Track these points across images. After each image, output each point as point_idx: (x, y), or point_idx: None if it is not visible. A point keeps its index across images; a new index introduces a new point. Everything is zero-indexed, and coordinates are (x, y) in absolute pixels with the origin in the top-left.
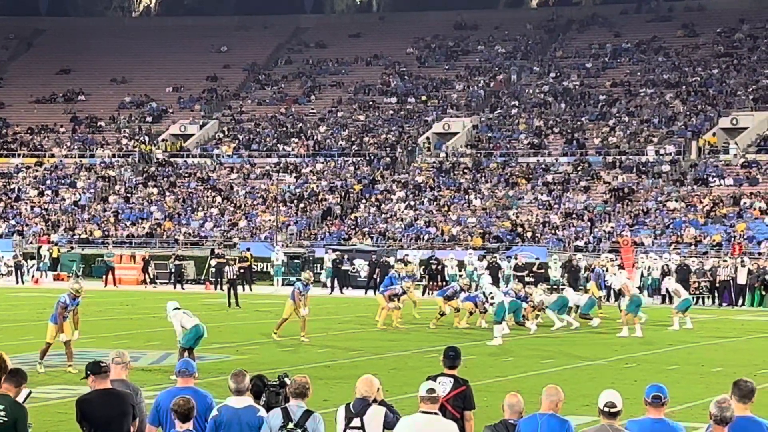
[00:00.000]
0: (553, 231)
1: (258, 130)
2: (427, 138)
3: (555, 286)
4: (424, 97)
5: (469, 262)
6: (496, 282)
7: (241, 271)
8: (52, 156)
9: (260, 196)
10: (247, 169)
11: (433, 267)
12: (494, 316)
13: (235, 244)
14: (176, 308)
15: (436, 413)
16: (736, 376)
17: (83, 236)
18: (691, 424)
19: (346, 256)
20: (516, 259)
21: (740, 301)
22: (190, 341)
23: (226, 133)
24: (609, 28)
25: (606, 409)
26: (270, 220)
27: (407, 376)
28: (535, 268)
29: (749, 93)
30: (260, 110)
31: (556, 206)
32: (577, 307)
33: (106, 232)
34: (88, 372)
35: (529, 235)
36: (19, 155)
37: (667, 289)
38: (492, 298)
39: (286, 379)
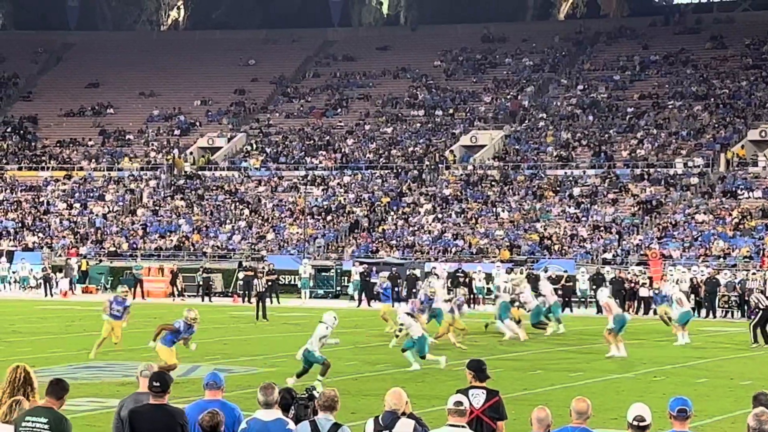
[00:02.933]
0: (580, 244)
1: (286, 142)
2: (452, 151)
3: (584, 299)
4: (451, 110)
5: (496, 275)
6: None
7: (269, 283)
8: (81, 169)
9: (288, 208)
10: (274, 181)
11: (460, 280)
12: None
13: (263, 257)
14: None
15: (463, 426)
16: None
17: (111, 249)
18: None
19: (374, 269)
20: (546, 271)
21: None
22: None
23: (254, 146)
24: (637, 40)
25: (635, 423)
26: (297, 232)
27: (434, 389)
28: (563, 281)
29: None
30: (288, 123)
31: (584, 219)
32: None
33: (134, 245)
34: (158, 385)
35: (556, 247)
36: (48, 168)
37: (597, 302)
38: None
39: (315, 392)
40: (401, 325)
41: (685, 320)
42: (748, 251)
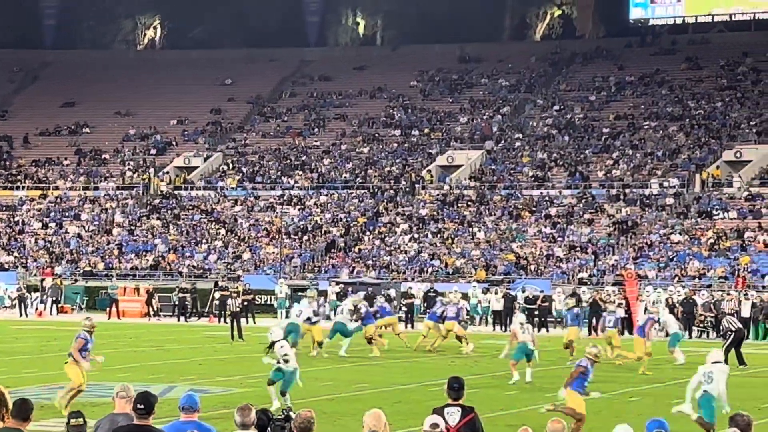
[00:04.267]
0: (556, 264)
1: (262, 162)
2: (428, 171)
3: (560, 319)
4: (427, 130)
5: (473, 295)
6: (511, 313)
7: (245, 303)
8: (57, 188)
9: (264, 228)
10: (251, 201)
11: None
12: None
13: (239, 276)
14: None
15: None
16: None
17: (87, 269)
18: None
19: (350, 289)
20: (524, 291)
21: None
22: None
23: (231, 165)
24: (613, 61)
25: None
26: (274, 252)
27: (411, 409)
28: (539, 302)
29: (753, 126)
30: (264, 143)
31: (559, 239)
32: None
33: (110, 265)
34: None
35: (532, 267)
36: (23, 188)
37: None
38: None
39: (291, 414)
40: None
41: (675, 342)
42: (723, 272)
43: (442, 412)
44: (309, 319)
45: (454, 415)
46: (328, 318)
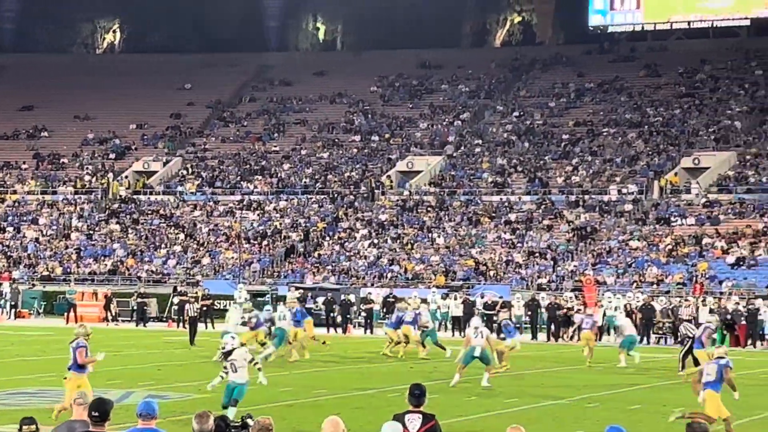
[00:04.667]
0: (516, 269)
1: (222, 167)
2: (388, 176)
3: (519, 325)
4: (387, 136)
5: (432, 301)
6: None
7: (204, 308)
8: (15, 192)
9: (223, 233)
10: (210, 206)
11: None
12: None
13: (198, 281)
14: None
15: None
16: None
17: (45, 273)
18: None
19: (309, 294)
20: (483, 297)
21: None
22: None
23: (190, 170)
24: (572, 67)
25: None
26: (233, 257)
27: (371, 415)
28: (498, 307)
29: (711, 133)
30: (224, 148)
31: (519, 245)
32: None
33: (68, 269)
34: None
35: (492, 273)
36: None
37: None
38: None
39: (249, 420)
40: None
41: (628, 343)
42: (681, 278)
43: (402, 419)
44: (244, 324)
45: (414, 422)
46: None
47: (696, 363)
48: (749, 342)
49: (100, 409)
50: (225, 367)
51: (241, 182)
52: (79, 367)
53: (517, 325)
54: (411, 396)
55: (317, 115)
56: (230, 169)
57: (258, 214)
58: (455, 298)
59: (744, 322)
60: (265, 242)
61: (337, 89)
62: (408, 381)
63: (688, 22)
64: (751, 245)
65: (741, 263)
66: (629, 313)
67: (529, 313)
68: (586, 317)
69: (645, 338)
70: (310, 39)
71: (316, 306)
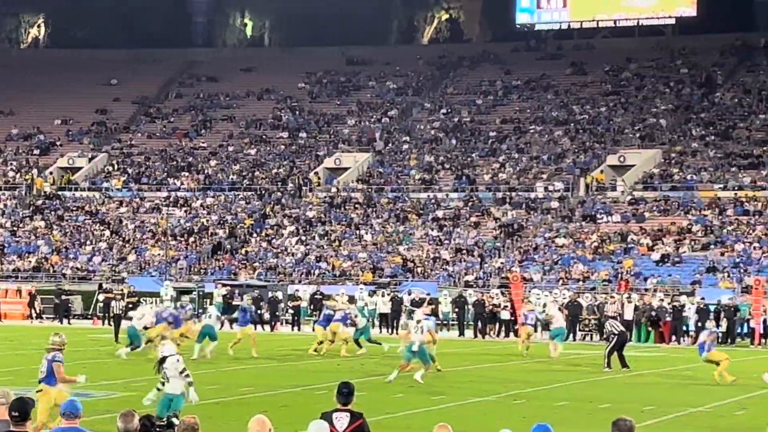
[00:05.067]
0: (443, 266)
1: (148, 163)
2: (316, 173)
3: (446, 322)
4: (315, 132)
5: (359, 298)
6: (398, 315)
7: (129, 306)
8: None
9: (149, 230)
10: (136, 202)
11: (321, 302)
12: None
13: (124, 278)
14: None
15: None
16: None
17: None
18: None
19: (236, 291)
20: (410, 294)
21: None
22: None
23: (116, 166)
24: (499, 65)
25: None
26: (159, 254)
27: (298, 414)
28: (426, 304)
29: (636, 131)
30: (150, 144)
31: (446, 241)
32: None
33: None
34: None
35: (419, 270)
36: None
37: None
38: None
39: (175, 420)
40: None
41: (556, 335)
42: (606, 275)
43: (330, 417)
44: (146, 327)
45: (342, 421)
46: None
47: (622, 360)
48: (674, 338)
49: (21, 410)
50: (163, 378)
51: (168, 179)
52: (54, 380)
53: (445, 322)
54: (339, 394)
55: (244, 112)
56: (156, 165)
57: (184, 211)
58: (383, 295)
59: (669, 319)
60: (191, 239)
61: (264, 85)
62: (335, 379)
63: (614, 21)
64: (675, 242)
65: (666, 260)
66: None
67: (456, 309)
68: (527, 312)
69: (571, 335)
70: (238, 35)
71: (249, 303)
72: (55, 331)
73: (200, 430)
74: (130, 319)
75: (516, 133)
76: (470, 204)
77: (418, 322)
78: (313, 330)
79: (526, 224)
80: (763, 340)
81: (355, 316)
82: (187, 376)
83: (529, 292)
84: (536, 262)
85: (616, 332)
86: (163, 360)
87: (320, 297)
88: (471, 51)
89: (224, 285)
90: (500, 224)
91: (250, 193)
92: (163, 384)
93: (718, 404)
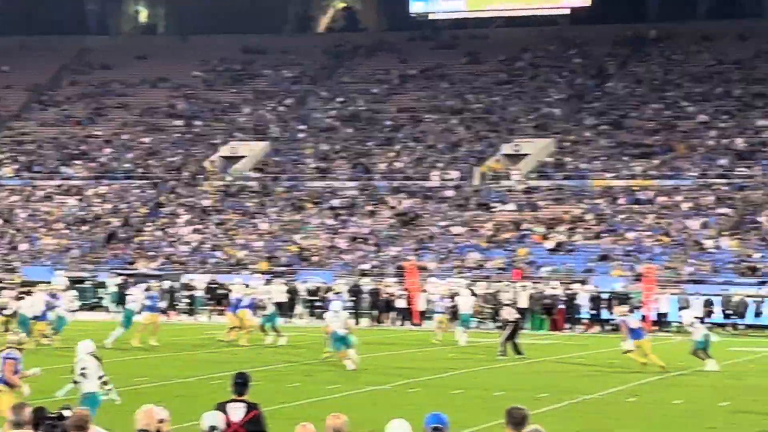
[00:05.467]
0: (339, 255)
1: (40, 151)
2: (211, 162)
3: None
4: (210, 121)
5: (255, 287)
6: (292, 305)
7: (22, 296)
8: None
9: (42, 219)
10: (28, 191)
11: (217, 291)
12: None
13: (16, 268)
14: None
15: None
16: (518, 400)
17: None
18: None
19: (132, 280)
20: (306, 283)
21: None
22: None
23: (7, 154)
24: (395, 54)
25: None
26: (52, 243)
27: (192, 404)
28: (322, 293)
29: (531, 120)
30: (43, 131)
31: (342, 230)
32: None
33: None
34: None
35: (315, 259)
36: None
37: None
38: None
39: (66, 412)
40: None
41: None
42: (501, 263)
43: (224, 408)
44: (36, 317)
45: (237, 411)
46: (107, 310)
47: (516, 348)
48: (567, 326)
49: None
50: (81, 374)
51: (61, 167)
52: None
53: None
54: (234, 384)
55: (139, 100)
56: (49, 153)
57: (78, 200)
58: (279, 284)
59: (562, 307)
60: (85, 228)
61: (159, 74)
62: (231, 368)
63: (509, 11)
64: (569, 230)
65: (559, 248)
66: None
67: (353, 298)
68: (441, 300)
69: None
70: (132, 23)
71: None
72: (14, 330)
73: (90, 423)
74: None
75: (412, 122)
76: (366, 193)
77: (336, 312)
78: (209, 319)
79: (421, 213)
80: (655, 328)
81: (261, 301)
82: (102, 377)
83: (425, 280)
84: (432, 250)
85: (512, 320)
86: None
87: (215, 286)
88: (367, 40)
89: (119, 274)
90: (396, 213)
91: (144, 181)
92: (78, 382)
93: (610, 391)
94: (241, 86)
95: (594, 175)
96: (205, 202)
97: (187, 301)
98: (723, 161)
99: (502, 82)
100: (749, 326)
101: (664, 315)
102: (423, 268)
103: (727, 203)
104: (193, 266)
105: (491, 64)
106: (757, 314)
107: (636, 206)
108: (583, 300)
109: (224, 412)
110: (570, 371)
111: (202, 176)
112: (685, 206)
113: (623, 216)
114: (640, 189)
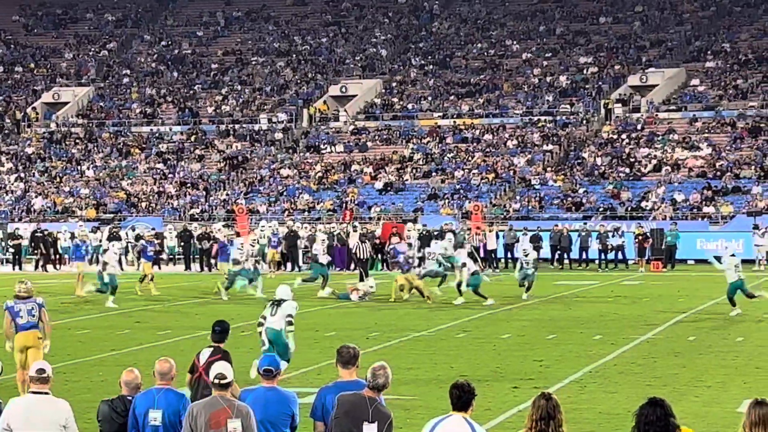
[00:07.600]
0: (168, 200)
1: None
2: (33, 108)
3: (172, 257)
4: (32, 66)
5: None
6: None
7: None
8: None
9: None
10: None
11: (41, 240)
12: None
13: None
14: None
15: (46, 392)
16: (350, 339)
17: None
18: (305, 389)
19: None
20: (135, 230)
21: (352, 266)
22: None
23: None
24: None
25: (216, 381)
26: None
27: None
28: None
29: (357, 61)
30: None
31: (170, 175)
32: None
33: None
34: None
35: (144, 205)
36: None
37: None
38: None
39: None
40: None
41: (477, 283)
42: (331, 204)
43: (199, 354)
44: None
45: (206, 354)
46: None
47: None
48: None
49: None
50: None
51: None
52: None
53: (171, 257)
54: (212, 332)
55: None
56: None
57: None
58: (105, 232)
59: None
60: None
61: None
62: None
63: None
64: (398, 171)
65: (389, 188)
66: (281, 242)
67: (182, 244)
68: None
69: (293, 265)
70: None
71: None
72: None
73: None
74: None
75: (238, 64)
76: (194, 137)
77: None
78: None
79: (250, 156)
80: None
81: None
82: None
83: (256, 224)
84: (261, 193)
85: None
86: None
87: (41, 235)
88: None
89: None
90: (224, 157)
91: None
92: None
93: (440, 328)
94: (62, 30)
95: (421, 114)
96: (29, 150)
97: (12, 251)
98: (547, 98)
99: (328, 24)
100: (574, 260)
101: (493, 251)
102: (253, 212)
103: (552, 140)
104: (18, 215)
105: (317, 5)
106: (583, 249)
107: (463, 145)
108: (413, 240)
109: (198, 357)
110: (400, 310)
111: (25, 123)
112: (511, 144)
113: (451, 155)
114: (467, 128)
